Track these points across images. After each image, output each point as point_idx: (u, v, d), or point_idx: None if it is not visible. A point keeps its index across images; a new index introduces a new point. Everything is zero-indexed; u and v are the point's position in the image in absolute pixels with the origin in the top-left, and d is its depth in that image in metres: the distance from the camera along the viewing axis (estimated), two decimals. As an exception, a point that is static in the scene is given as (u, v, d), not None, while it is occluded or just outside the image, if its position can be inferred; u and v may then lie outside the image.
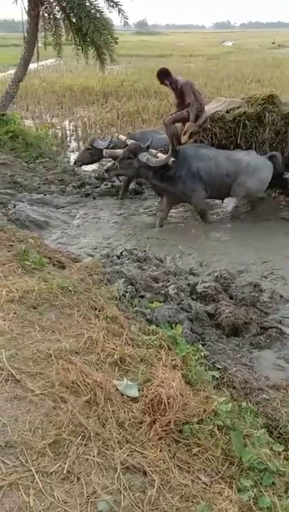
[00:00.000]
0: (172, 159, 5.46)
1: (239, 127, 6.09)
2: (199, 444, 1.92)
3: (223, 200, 6.56)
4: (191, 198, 6.01)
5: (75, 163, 7.71)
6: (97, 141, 7.06)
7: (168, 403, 2.02)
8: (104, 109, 14.04)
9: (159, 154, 5.70)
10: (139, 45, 41.86)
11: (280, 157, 6.02)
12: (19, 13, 10.59)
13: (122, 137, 6.57)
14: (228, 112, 6.22)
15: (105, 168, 6.18)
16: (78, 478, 1.51)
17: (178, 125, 6.53)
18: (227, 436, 1.99)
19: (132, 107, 13.32)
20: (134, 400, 2.07)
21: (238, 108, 6.24)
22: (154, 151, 5.75)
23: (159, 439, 1.91)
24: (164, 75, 6.28)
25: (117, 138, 6.78)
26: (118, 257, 4.60)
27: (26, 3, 9.77)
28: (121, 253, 4.67)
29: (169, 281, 3.93)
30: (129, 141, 6.10)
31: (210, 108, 6.54)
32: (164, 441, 1.91)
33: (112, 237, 5.64)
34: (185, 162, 5.76)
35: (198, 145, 6.17)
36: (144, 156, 5.53)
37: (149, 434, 1.92)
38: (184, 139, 6.34)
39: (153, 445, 1.87)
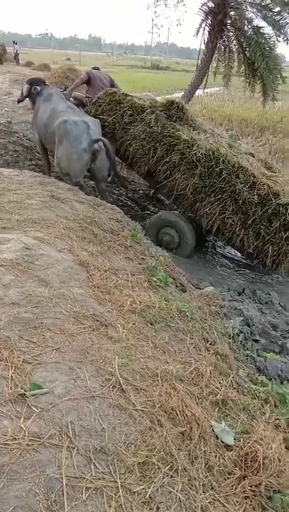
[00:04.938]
0: (27, 86, 5.68)
1: (121, 110, 5.71)
2: (288, 519, 1.76)
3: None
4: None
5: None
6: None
7: (263, 463, 1.89)
8: (258, 142, 13.89)
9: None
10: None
11: (109, 147, 5.01)
12: (196, 42, 11.35)
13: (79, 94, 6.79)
14: (125, 95, 5.91)
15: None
16: (158, 508, 1.50)
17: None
18: None
19: (287, 144, 12.96)
20: (228, 447, 1.99)
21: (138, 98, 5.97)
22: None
23: (245, 497, 1.80)
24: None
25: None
26: (239, 294, 4.50)
27: (207, 36, 10.39)
28: (243, 290, 4.56)
29: (288, 333, 3.71)
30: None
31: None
32: (249, 501, 1.79)
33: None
34: (39, 98, 5.62)
35: (60, 93, 5.73)
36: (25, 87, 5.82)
37: (236, 489, 1.82)
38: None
39: (237, 501, 1.76)
